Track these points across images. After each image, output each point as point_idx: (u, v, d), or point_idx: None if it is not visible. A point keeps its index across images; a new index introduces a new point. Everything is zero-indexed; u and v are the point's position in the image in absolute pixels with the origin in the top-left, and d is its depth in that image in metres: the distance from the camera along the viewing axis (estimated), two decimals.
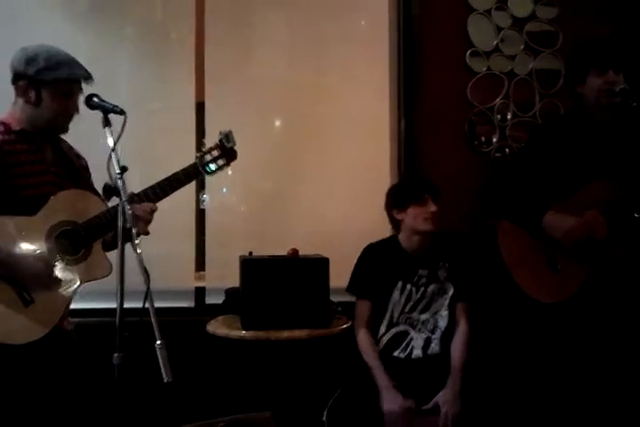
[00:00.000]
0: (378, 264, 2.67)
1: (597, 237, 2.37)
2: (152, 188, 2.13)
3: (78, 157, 2.26)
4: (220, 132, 2.20)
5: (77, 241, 2.06)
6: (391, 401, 2.40)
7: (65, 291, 2.04)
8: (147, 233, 2.07)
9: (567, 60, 2.60)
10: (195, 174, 2.19)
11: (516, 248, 2.54)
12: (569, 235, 2.38)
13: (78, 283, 2.08)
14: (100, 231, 2.06)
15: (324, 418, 2.46)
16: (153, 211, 2.10)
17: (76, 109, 2.11)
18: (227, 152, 2.19)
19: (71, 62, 2.06)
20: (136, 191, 2.11)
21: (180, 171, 2.17)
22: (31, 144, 2.08)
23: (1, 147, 2.00)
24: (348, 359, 2.65)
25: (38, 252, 1.99)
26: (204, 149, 2.20)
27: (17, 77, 2.05)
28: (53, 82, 2.02)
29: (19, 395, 1.98)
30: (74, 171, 2.20)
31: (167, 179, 2.14)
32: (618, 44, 2.59)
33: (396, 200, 2.69)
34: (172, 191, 2.15)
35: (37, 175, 2.06)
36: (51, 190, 2.06)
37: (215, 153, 2.18)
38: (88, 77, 2.09)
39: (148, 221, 2.09)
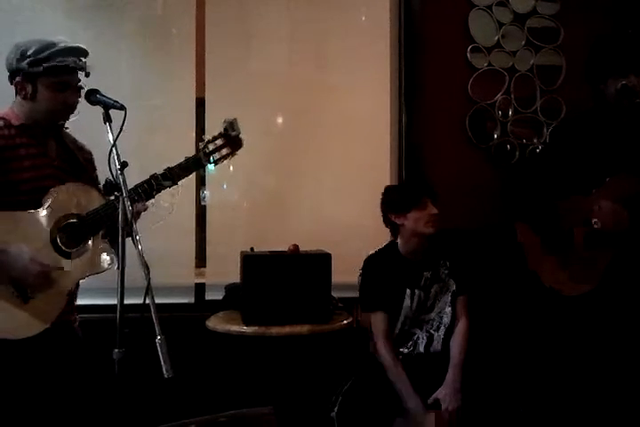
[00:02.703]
0: (383, 275, 2.62)
1: (619, 231, 2.38)
2: (149, 181, 2.09)
3: (82, 150, 2.24)
4: (225, 120, 2.14)
5: (77, 235, 2.05)
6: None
7: (65, 285, 2.04)
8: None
9: (587, 60, 2.56)
10: (196, 166, 2.15)
11: (536, 242, 2.55)
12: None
13: (78, 277, 2.08)
14: (100, 225, 2.05)
15: (334, 414, 2.44)
16: (144, 210, 2.08)
17: (75, 100, 2.08)
18: (231, 141, 2.13)
19: (64, 52, 2.02)
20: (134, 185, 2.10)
21: (182, 163, 2.13)
22: (32, 138, 2.07)
23: None
24: (357, 355, 2.64)
25: (37, 247, 1.98)
26: (206, 139, 2.14)
27: (13, 74, 2.05)
28: (46, 73, 2.00)
29: (20, 389, 1.99)
30: (77, 164, 2.18)
31: (167, 172, 2.11)
32: (636, 42, 2.56)
33: (394, 205, 2.64)
34: (173, 184, 2.12)
35: (38, 169, 2.05)
36: (52, 184, 2.05)
37: (219, 142, 2.13)
38: (81, 66, 2.06)
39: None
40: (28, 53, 2.00)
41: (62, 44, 2.02)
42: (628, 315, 2.41)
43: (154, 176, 2.11)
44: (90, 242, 2.08)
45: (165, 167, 2.12)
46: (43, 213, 2.01)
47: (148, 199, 2.11)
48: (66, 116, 2.10)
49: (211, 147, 2.14)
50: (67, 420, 2.07)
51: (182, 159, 2.15)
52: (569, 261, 2.48)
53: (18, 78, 2.03)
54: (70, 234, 2.04)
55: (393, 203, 2.65)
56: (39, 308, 1.98)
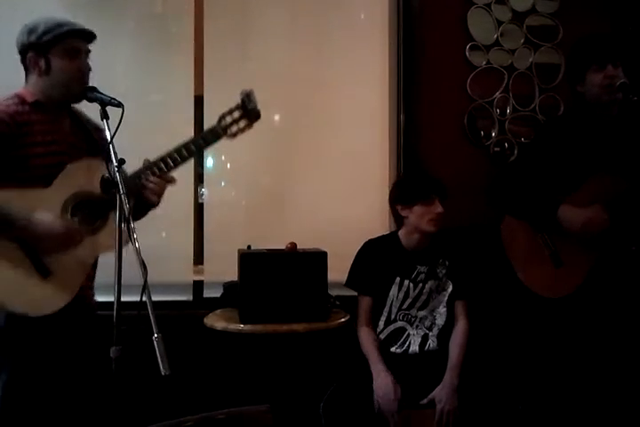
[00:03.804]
0: (376, 260, 2.67)
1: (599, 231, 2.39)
2: (169, 154, 2.10)
3: (98, 129, 2.23)
4: (242, 92, 2.13)
5: (94, 211, 2.06)
6: (384, 386, 2.41)
7: (83, 262, 2.05)
8: (157, 202, 2.11)
9: (567, 61, 2.60)
10: (214, 138, 2.14)
11: (519, 244, 2.56)
12: (587, 226, 2.38)
13: (96, 254, 2.09)
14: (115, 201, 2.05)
15: (321, 410, 2.46)
16: (168, 182, 2.09)
17: (88, 67, 2.10)
18: (249, 113, 2.13)
19: (70, 22, 2.08)
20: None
21: (199, 135, 2.14)
22: (46, 114, 2.09)
23: (14, 116, 2.01)
24: (346, 353, 2.65)
25: (56, 223, 1.98)
26: (224, 111, 2.13)
27: (24, 51, 2.07)
28: (56, 41, 2.03)
29: (38, 366, 2.01)
30: (92, 142, 2.18)
31: (185, 144, 2.11)
32: (613, 38, 2.60)
33: (402, 195, 2.65)
34: (190, 157, 2.11)
35: (51, 144, 2.06)
36: (65, 160, 2.06)
37: (236, 115, 2.13)
38: (89, 32, 2.10)
39: (159, 193, 2.10)
40: (37, 29, 2.04)
41: (69, 26, 2.07)
42: (616, 312, 2.42)
43: (170, 151, 2.10)
44: (108, 218, 2.07)
45: (182, 142, 2.11)
46: (54, 190, 2.02)
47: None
48: (79, 87, 2.08)
49: (228, 119, 2.13)
50: (66, 413, 2.09)
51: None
52: (551, 262, 2.48)
53: (30, 54, 2.06)
54: (85, 211, 2.05)
55: (402, 193, 2.67)
56: (57, 284, 1.99)
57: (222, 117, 2.13)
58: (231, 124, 2.13)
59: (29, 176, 2.00)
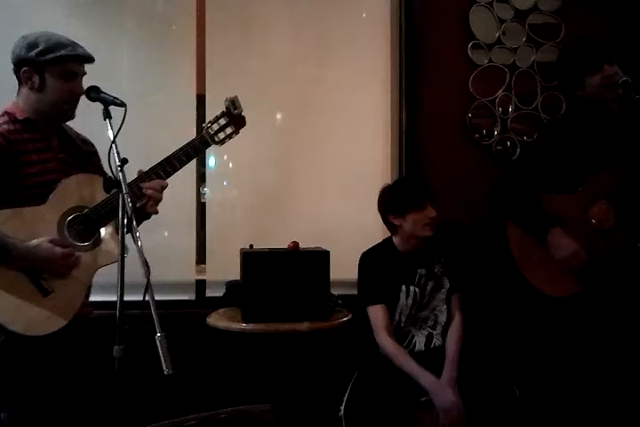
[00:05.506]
0: (379, 271, 2.62)
1: (605, 228, 2.38)
2: (160, 165, 2.10)
3: (86, 142, 2.24)
4: (226, 99, 2.14)
5: (90, 226, 2.05)
6: (445, 398, 2.34)
7: (82, 277, 2.04)
8: (156, 212, 2.09)
9: (559, 69, 2.59)
10: (203, 146, 2.15)
11: (525, 242, 2.55)
12: (570, 259, 2.40)
13: (95, 268, 2.07)
14: (111, 214, 2.03)
15: (341, 413, 2.41)
16: (163, 188, 2.09)
17: (81, 91, 2.08)
18: (235, 119, 2.14)
19: (71, 43, 2.06)
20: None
21: (187, 144, 2.13)
22: (36, 133, 2.07)
23: (7, 136, 1.99)
24: (357, 352, 2.63)
25: (55, 251, 1.95)
26: (210, 119, 2.14)
27: (20, 64, 2.04)
28: (55, 62, 2.01)
29: (38, 382, 1.99)
30: (82, 157, 2.18)
31: (174, 154, 2.11)
32: (601, 37, 2.58)
33: (393, 205, 2.62)
34: (181, 167, 2.12)
35: (44, 163, 2.05)
36: (57, 177, 2.05)
37: (222, 121, 2.14)
38: (89, 57, 2.08)
39: (159, 200, 2.09)
40: (37, 45, 2.01)
41: (70, 48, 2.04)
42: (618, 313, 2.42)
43: (161, 162, 2.10)
44: (102, 232, 2.06)
45: (171, 153, 2.11)
46: (49, 207, 2.01)
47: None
48: (70, 107, 2.09)
49: (215, 127, 2.14)
50: (71, 416, 2.08)
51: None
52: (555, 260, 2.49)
53: (25, 69, 2.04)
54: (81, 226, 2.04)
55: (392, 203, 2.63)
56: (59, 302, 1.98)
57: (208, 125, 2.14)
58: (218, 131, 2.14)
59: (26, 196, 1.99)
